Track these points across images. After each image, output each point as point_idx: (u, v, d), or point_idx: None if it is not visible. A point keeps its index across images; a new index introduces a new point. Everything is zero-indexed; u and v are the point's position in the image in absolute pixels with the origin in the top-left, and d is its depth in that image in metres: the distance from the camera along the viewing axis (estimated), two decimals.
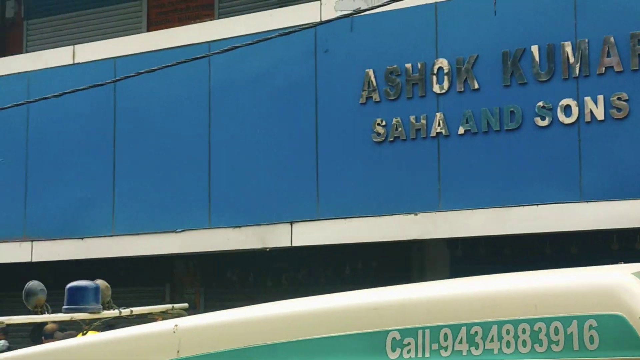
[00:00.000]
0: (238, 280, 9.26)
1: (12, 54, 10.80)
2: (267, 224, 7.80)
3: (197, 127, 8.34)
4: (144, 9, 10.84)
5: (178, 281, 9.74)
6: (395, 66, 7.45)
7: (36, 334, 8.48)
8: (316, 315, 2.76)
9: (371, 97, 7.54)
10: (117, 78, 7.92)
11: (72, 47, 9.34)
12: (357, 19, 7.45)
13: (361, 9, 7.25)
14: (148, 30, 10.44)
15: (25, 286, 3.71)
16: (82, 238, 8.72)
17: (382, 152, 7.47)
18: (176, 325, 2.85)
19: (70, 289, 3.78)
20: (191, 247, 8.29)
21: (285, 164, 7.89)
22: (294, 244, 7.67)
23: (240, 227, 7.94)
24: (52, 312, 3.82)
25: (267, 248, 7.87)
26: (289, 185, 7.83)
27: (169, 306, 4.33)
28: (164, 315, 4.17)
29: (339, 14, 7.34)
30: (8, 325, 3.71)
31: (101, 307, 3.83)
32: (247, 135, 8.10)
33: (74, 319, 3.76)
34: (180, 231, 8.21)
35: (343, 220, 7.48)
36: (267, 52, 7.82)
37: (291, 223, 7.68)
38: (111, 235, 8.59)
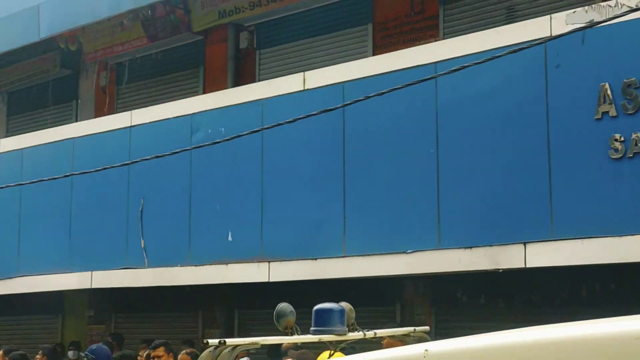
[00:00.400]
0: (469, 302, 9.15)
1: (246, 83, 11.37)
2: (499, 245, 7.64)
3: (424, 147, 8.34)
4: (370, 33, 11.07)
5: (408, 302, 9.78)
6: (633, 79, 7.08)
7: (274, 353, 8.82)
8: (572, 343, 2.65)
9: (607, 112, 7.20)
10: (345, 102, 8.07)
11: (302, 73, 9.66)
12: (589, 31, 7.15)
13: (595, 21, 6.98)
14: (374, 54, 10.64)
15: (276, 308, 3.86)
16: (315, 259, 8.96)
17: (620, 169, 7.10)
18: (426, 350, 2.83)
19: (318, 311, 3.88)
20: (421, 267, 8.29)
21: (517, 182, 7.70)
22: (528, 265, 7.46)
23: (471, 247, 7.83)
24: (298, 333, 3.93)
25: (499, 269, 7.71)
26: (521, 205, 7.63)
27: (410, 329, 4.33)
28: (406, 339, 4.19)
29: (570, 27, 7.08)
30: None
31: (346, 329, 3.91)
32: (476, 154, 7.99)
33: (321, 340, 3.86)
34: (410, 252, 8.23)
35: (580, 240, 7.17)
36: (495, 69, 7.68)
37: (524, 244, 7.47)
38: (342, 256, 8.76)
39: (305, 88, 9.44)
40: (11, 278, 12.13)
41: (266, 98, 9.77)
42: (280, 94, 9.68)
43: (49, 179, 11.00)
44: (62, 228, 11.83)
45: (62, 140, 12.29)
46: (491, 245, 7.70)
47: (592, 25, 6.78)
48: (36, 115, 15.18)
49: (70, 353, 11.55)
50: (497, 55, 6.68)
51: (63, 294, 13.27)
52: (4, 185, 11.80)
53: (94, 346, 9.01)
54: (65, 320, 14.17)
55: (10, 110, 16.03)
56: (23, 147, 12.83)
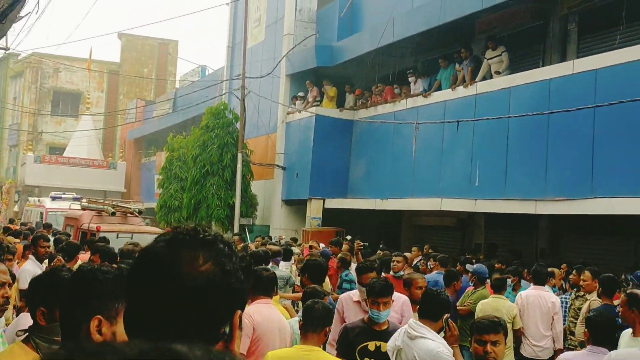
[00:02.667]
0: None
1: None
2: None
3: None
4: None
5: None
6: None
7: None
8: None
9: None
10: None
11: None
12: None
13: None
14: None
15: None
16: None
17: None
18: None
19: None
20: None
21: None
22: None
23: None
24: None
25: None
26: None
27: None
28: None
29: None
30: None
31: None
32: None
33: None
34: None
35: None
36: None
37: None
38: None
39: None
40: (585, 199, 12.20)
41: None
42: None
43: (627, 101, 10.77)
44: (638, 150, 11.51)
45: (636, 60, 11.85)
46: None
47: None
48: (607, 35, 14.82)
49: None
50: None
51: (637, 218, 13.01)
52: (579, 107, 11.89)
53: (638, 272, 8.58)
54: (638, 244, 13.88)
55: (581, 31, 15.91)
56: (596, 67, 12.67)
